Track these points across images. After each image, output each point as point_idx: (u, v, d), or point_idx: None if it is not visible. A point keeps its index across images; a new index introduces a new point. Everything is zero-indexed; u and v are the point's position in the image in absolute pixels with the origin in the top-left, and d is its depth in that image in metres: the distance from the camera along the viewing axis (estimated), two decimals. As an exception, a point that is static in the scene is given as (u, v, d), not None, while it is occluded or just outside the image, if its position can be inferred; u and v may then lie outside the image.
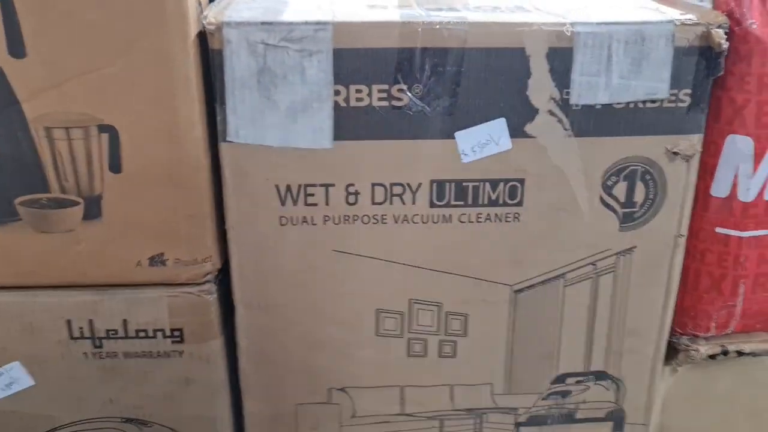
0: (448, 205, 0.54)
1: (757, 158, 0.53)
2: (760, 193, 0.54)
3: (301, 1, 0.55)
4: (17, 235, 0.52)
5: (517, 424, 0.62)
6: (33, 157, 0.50)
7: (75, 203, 0.51)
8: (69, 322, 0.55)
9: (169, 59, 0.47)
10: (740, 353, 0.60)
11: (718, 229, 0.55)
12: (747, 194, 0.54)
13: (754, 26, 0.49)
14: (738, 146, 0.52)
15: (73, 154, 0.50)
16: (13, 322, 0.54)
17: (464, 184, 0.53)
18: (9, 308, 0.54)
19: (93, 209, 0.51)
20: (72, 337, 0.55)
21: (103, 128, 0.49)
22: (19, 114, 0.48)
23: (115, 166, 0.50)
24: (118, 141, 0.49)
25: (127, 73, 0.47)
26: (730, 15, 0.50)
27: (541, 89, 0.50)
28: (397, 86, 0.50)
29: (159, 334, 0.55)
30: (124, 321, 0.55)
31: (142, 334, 0.55)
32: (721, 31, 0.49)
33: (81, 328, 0.55)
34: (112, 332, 0.55)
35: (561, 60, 0.50)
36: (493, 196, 0.54)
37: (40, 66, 0.47)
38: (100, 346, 0.56)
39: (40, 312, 0.54)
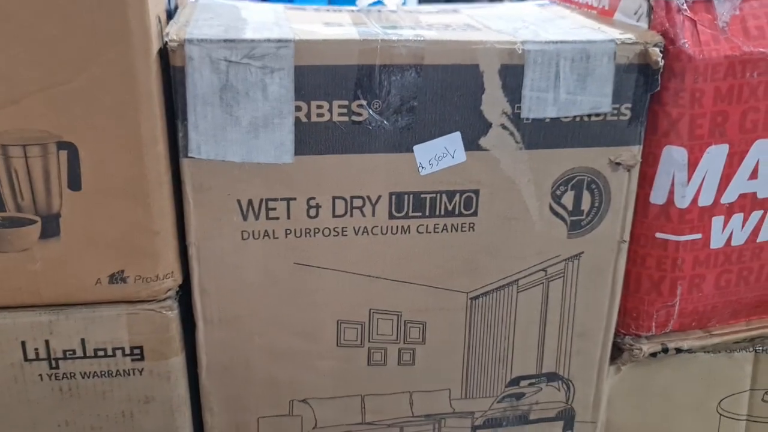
0: (406, 216, 0.55)
1: (691, 167, 0.57)
2: (694, 200, 0.58)
3: (259, 19, 0.56)
4: (-31, 255, 0.50)
5: (474, 428, 0.64)
6: (-13, 176, 0.48)
7: (31, 222, 0.50)
8: (23, 344, 0.53)
9: (132, 75, 0.47)
10: (678, 350, 0.64)
11: (658, 234, 0.59)
12: (683, 201, 0.58)
13: (687, 45, 0.53)
14: (674, 156, 0.56)
15: (30, 172, 0.49)
16: (-37, 346, 0.53)
17: (422, 195, 0.55)
18: (-41, 331, 0.52)
19: (51, 227, 0.50)
20: (26, 359, 0.54)
21: (62, 145, 0.48)
22: (-27, 131, 0.47)
23: (75, 184, 0.49)
24: (78, 158, 0.49)
25: (88, 88, 0.47)
26: (665, 35, 0.54)
27: (494, 104, 0.53)
28: (356, 102, 0.51)
29: (118, 352, 0.55)
30: (82, 340, 0.54)
31: (100, 353, 0.54)
32: (657, 50, 0.53)
33: (36, 349, 0.54)
34: (70, 352, 0.54)
35: (513, 76, 0.52)
36: (450, 207, 0.56)
37: (-4, 82, 0.46)
38: (57, 367, 0.54)
39: (-7, 334, 0.53)
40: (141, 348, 0.55)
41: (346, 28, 0.55)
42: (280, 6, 0.64)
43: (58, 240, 0.51)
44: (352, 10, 0.65)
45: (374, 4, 0.89)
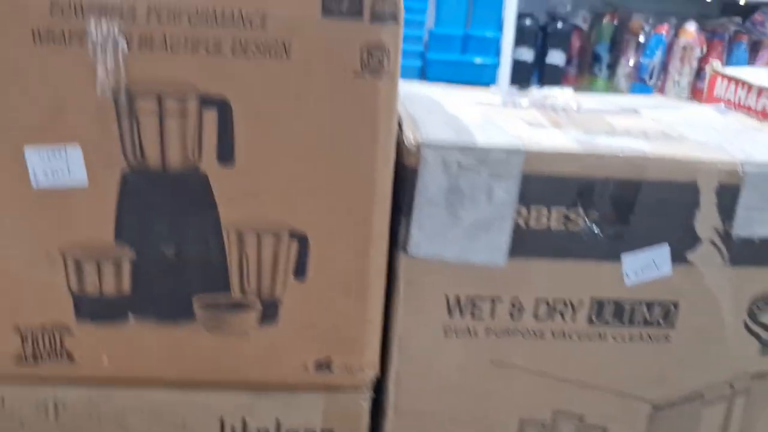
0: (605, 323, 0.55)
1: None
2: None
3: (470, 117, 0.57)
4: (189, 334, 0.51)
5: None
6: (220, 259, 0.50)
7: (253, 307, 0.51)
8: (222, 422, 0.54)
9: (371, 175, 0.48)
10: None
11: None
12: None
13: None
14: None
15: (260, 259, 0.50)
16: (166, 419, 0.54)
17: (623, 304, 0.55)
18: (165, 408, 0.53)
19: (270, 313, 0.51)
20: (222, 437, 0.55)
21: (294, 235, 0.50)
22: (214, 218, 0.49)
23: (300, 273, 0.50)
24: (307, 248, 0.50)
25: (328, 185, 0.48)
26: None
27: (706, 220, 0.53)
28: (574, 210, 0.52)
29: (309, 436, 0.55)
30: (278, 421, 0.54)
31: (292, 436, 0.55)
32: None
33: (233, 426, 0.54)
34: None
35: (728, 195, 0.52)
36: (648, 317, 0.55)
37: (245, 174, 0.48)
38: (249, 447, 0.55)
39: (195, 411, 0.54)
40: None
41: (550, 131, 0.56)
42: (471, 94, 0.66)
43: (275, 326, 0.52)
44: (538, 108, 0.66)
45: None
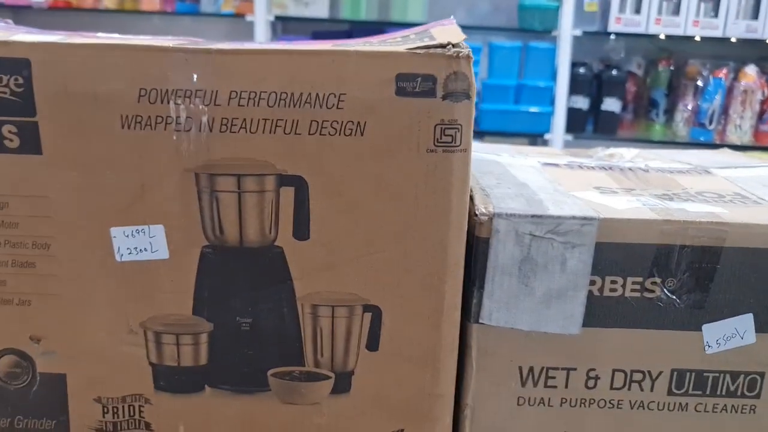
0: (686, 394, 0.53)
1: None
2: None
3: (537, 183, 0.57)
4: (262, 404, 0.52)
5: None
6: (294, 332, 0.51)
7: (326, 377, 0.51)
8: (295, 493, 0.54)
9: (444, 247, 0.49)
10: None
11: None
12: None
13: None
14: None
15: (334, 331, 0.51)
16: (239, 490, 0.54)
17: (705, 374, 0.53)
18: (238, 476, 0.54)
19: (342, 384, 0.52)
20: None
21: (367, 308, 0.50)
22: (289, 291, 0.50)
23: (373, 345, 0.51)
24: (380, 321, 0.50)
25: (401, 258, 0.49)
26: None
27: (790, 288, 0.51)
28: (651, 279, 0.51)
29: None
30: (350, 495, 0.54)
31: None
32: None
33: (306, 499, 0.54)
34: (336, 505, 0.54)
35: (813, 261, 0.51)
36: (732, 388, 0.53)
37: (320, 248, 0.49)
38: None
39: (268, 481, 0.54)
40: (404, 508, 0.54)
41: (622, 197, 0.55)
42: (535, 155, 0.66)
43: (347, 397, 0.52)
44: (605, 169, 0.65)
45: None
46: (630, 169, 0.66)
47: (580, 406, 0.54)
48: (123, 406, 0.53)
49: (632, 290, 0.51)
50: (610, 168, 0.66)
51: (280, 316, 0.50)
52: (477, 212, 0.50)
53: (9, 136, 0.47)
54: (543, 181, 0.59)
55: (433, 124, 0.46)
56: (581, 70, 2.10)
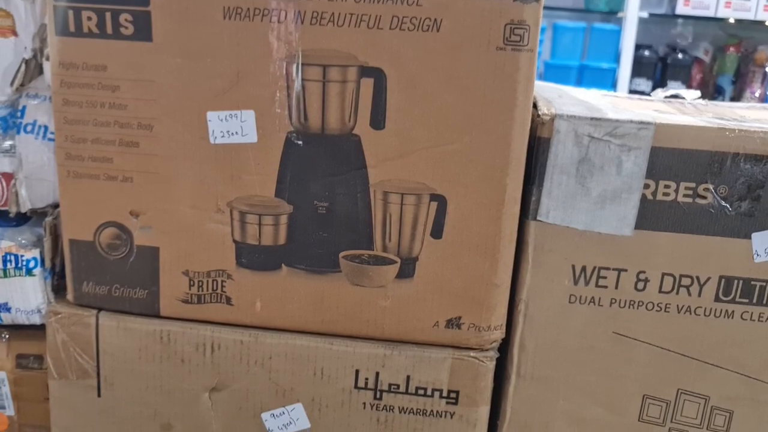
0: (733, 301, 0.56)
1: None
2: None
3: (597, 102, 0.60)
4: (333, 285, 0.57)
5: None
6: (366, 217, 0.55)
7: (392, 262, 0.56)
8: (357, 372, 0.59)
9: (507, 142, 0.53)
10: None
11: None
12: None
13: None
14: None
15: (402, 218, 0.55)
16: (306, 366, 0.59)
17: (752, 282, 0.55)
18: (306, 353, 0.59)
19: (407, 269, 0.56)
20: (356, 387, 0.59)
21: (434, 197, 0.54)
22: (363, 178, 0.54)
23: (437, 233, 0.55)
24: (445, 210, 0.54)
25: (467, 150, 0.53)
26: None
27: (841, 201, 0.53)
28: (703, 185, 0.54)
29: (436, 393, 0.59)
30: (408, 377, 0.59)
31: (421, 391, 0.59)
32: None
33: (367, 379, 0.59)
34: (394, 386, 0.59)
35: None
36: (779, 298, 0.56)
37: (394, 138, 0.53)
38: (380, 398, 0.59)
39: (334, 359, 0.59)
40: (457, 393, 0.59)
41: (679, 116, 0.58)
42: (597, 91, 0.69)
43: (411, 281, 0.56)
44: (665, 101, 0.68)
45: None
46: (690, 103, 0.69)
47: (629, 307, 0.57)
48: (207, 281, 0.58)
49: (685, 195, 0.54)
50: (670, 101, 0.69)
51: (353, 201, 0.55)
52: (540, 113, 0.54)
53: (125, 24, 0.53)
54: (603, 101, 0.62)
55: (503, 24, 0.50)
56: (646, 52, 2.10)
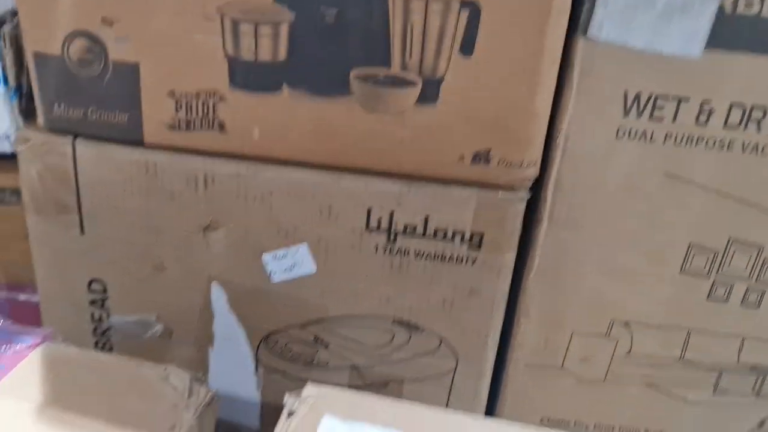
0: (809, 139, 0.48)
1: None
2: None
3: None
4: (342, 110, 0.49)
5: (800, 391, 0.57)
6: (382, 27, 0.46)
7: (413, 84, 0.48)
8: (369, 211, 0.52)
9: (561, -67, 0.42)
10: None
11: None
12: None
13: None
14: None
15: (426, 29, 0.46)
16: (311, 203, 0.52)
17: (836, 117, 0.47)
18: (311, 188, 0.52)
19: (430, 93, 0.48)
20: (368, 228, 0.53)
21: (465, 4, 0.45)
22: (380, -23, 0.45)
23: (467, 48, 0.46)
24: (478, 20, 0.45)
25: (510, -57, 0.43)
26: None
27: None
28: (796, -6, 0.44)
29: (458, 237, 0.52)
30: (426, 218, 0.52)
31: (440, 234, 0.52)
32: None
33: (380, 218, 0.52)
34: (411, 228, 0.52)
35: None
36: None
37: (419, -75, 0.43)
38: (394, 241, 0.53)
39: (342, 196, 0.52)
40: (481, 236, 0.52)
41: None
42: None
43: (434, 107, 0.48)
44: None
45: None
46: None
47: (686, 144, 0.49)
48: (197, 103, 0.50)
49: (771, 7, 0.45)
50: None
51: (367, 8, 0.46)
52: None
53: None
54: None
55: None
56: None
